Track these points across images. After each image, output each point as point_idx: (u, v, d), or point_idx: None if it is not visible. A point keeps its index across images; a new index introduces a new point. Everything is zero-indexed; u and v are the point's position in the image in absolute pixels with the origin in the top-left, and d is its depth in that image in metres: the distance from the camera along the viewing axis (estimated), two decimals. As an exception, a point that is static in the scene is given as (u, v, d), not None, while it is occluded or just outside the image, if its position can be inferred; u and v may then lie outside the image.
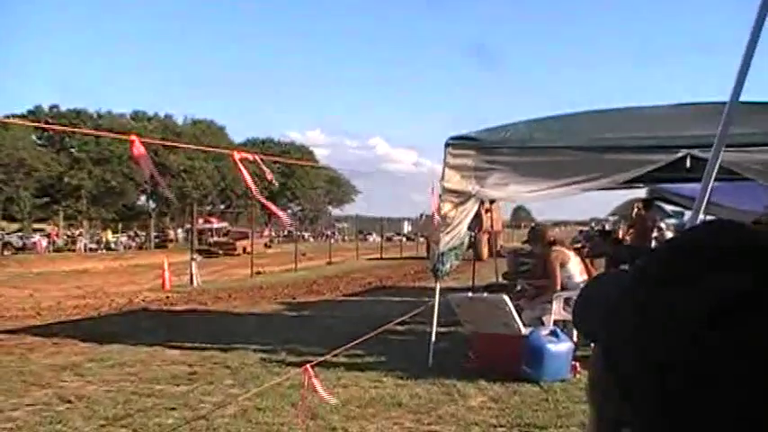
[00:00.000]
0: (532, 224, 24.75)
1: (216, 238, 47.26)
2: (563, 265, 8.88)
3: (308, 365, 5.68)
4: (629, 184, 10.68)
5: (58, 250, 52.52)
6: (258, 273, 25.77)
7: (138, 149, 3.21)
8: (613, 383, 0.59)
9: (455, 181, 8.59)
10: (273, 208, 12.33)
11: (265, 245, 47.50)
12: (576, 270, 8.96)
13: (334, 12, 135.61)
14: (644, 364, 0.56)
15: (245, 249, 24.81)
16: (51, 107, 66.89)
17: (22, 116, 64.60)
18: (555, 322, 8.40)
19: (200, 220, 48.76)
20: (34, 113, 66.05)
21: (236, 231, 49.06)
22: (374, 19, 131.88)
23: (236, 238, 46.55)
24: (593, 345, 0.67)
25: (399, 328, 10.91)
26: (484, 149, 8.68)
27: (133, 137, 3.33)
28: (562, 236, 13.46)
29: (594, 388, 0.64)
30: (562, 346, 7.74)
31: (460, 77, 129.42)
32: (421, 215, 23.70)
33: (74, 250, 52.98)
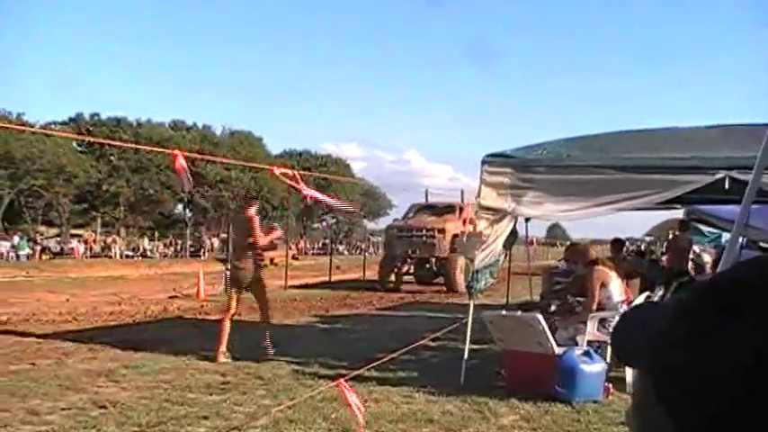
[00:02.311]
0: (569, 242, 24.18)
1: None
2: (604, 285, 8.74)
3: (341, 380, 5.70)
4: (667, 204, 10.62)
5: (94, 256, 52.96)
6: (290, 287, 25.70)
7: (181, 163, 3.26)
8: (665, 414, 0.61)
9: (491, 198, 8.60)
10: (324, 198, 12.13)
11: (293, 257, 47.21)
12: (617, 290, 8.85)
13: (373, 30, 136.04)
14: (694, 397, 0.58)
15: (272, 260, 24.40)
16: (92, 115, 67.48)
17: (63, 123, 65.41)
18: (589, 342, 8.34)
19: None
20: (75, 121, 66.77)
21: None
22: (411, 39, 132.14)
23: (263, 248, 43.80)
24: (628, 369, 0.69)
25: (431, 343, 10.90)
26: (520, 167, 8.69)
27: (176, 151, 3.38)
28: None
29: (641, 417, 0.65)
30: (595, 367, 7.70)
31: (497, 93, 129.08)
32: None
33: (110, 256, 53.42)
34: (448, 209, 27.66)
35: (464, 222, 22.93)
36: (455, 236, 24.45)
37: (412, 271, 27.59)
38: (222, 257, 41.27)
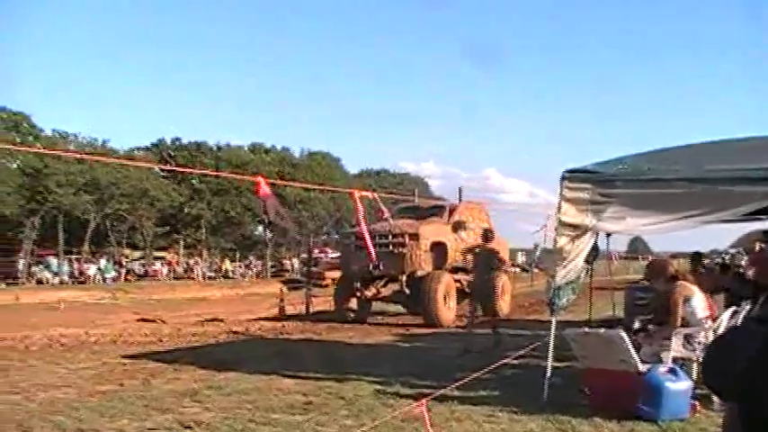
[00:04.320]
0: (650, 257, 23.17)
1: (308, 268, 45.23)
2: (686, 301, 8.54)
3: (423, 401, 5.69)
4: (752, 216, 10.37)
5: (177, 278, 53.97)
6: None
7: (264, 190, 3.32)
8: None
9: (571, 214, 8.50)
10: (369, 243, 12.43)
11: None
12: (700, 306, 8.64)
13: (448, 53, 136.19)
14: None
15: (333, 280, 23.59)
16: (173, 140, 69.04)
17: (146, 149, 67.05)
18: (674, 359, 8.17)
19: (316, 251, 48.94)
20: (157, 146, 68.37)
21: (327, 261, 45.45)
22: (486, 61, 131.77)
23: (326, 268, 41.55)
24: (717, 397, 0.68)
25: (514, 361, 10.81)
26: (600, 182, 8.58)
27: (259, 178, 3.44)
28: (682, 268, 13.05)
29: None
30: (681, 385, 7.53)
31: (574, 111, 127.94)
32: (535, 246, 20.46)
33: (193, 278, 54.36)
34: (433, 210, 21.77)
35: (455, 227, 19.82)
36: (437, 245, 19.12)
37: (383, 294, 20.42)
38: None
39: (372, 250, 15.76)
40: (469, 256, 16.37)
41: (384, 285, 20.09)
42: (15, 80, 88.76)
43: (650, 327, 9.01)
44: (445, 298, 18.51)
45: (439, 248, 19.12)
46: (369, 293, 19.86)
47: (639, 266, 38.41)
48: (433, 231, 19.22)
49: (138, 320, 20.32)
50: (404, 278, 18.91)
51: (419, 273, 18.77)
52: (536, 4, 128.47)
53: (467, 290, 20.09)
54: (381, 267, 18.74)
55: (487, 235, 14.55)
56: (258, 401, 8.60)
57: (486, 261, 14.15)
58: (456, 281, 19.54)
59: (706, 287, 9.39)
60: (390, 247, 18.64)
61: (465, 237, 19.78)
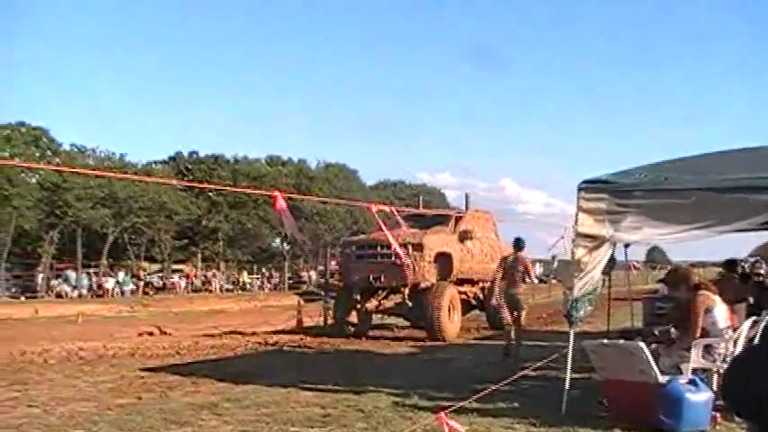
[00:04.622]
0: (669, 266, 22.76)
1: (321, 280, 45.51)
2: (708, 311, 8.43)
3: (442, 413, 5.67)
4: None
5: (195, 290, 54.26)
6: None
7: (281, 204, 3.33)
8: None
9: (588, 225, 8.47)
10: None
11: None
12: (722, 316, 8.55)
13: (461, 62, 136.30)
14: None
15: None
16: (190, 153, 69.39)
17: (164, 163, 67.42)
18: (694, 370, 8.11)
19: (333, 262, 48.93)
20: (175, 160, 68.73)
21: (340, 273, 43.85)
22: (501, 70, 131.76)
23: (339, 279, 40.29)
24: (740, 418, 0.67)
25: (532, 373, 10.77)
26: (617, 192, 8.55)
27: (276, 192, 3.45)
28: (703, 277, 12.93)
29: None
30: (701, 396, 7.48)
31: (582, 121, 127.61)
32: (553, 257, 19.35)
33: (210, 290, 54.59)
34: (438, 219, 20.77)
35: (461, 237, 19.16)
36: (442, 255, 18.41)
37: (384, 306, 19.33)
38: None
39: (402, 253, 15.68)
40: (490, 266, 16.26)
41: (386, 297, 19.15)
42: (34, 94, 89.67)
43: (672, 330, 8.94)
44: (450, 311, 17.87)
45: (444, 259, 18.45)
46: (369, 306, 18.97)
47: (657, 276, 38.08)
48: (437, 241, 18.52)
49: (140, 335, 20.29)
50: (406, 290, 18.09)
51: (422, 284, 17.94)
52: (554, 13, 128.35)
53: (473, 302, 20.26)
54: (383, 278, 18.14)
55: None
56: (276, 414, 8.59)
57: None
58: (461, 293, 19.12)
59: (729, 297, 9.30)
60: (392, 258, 17.62)
61: (471, 247, 19.35)
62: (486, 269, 19.25)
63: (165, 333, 20.56)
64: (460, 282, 19.27)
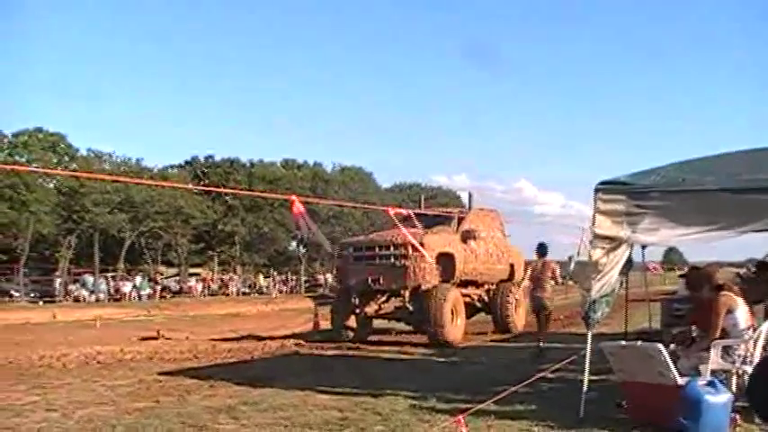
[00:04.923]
0: (688, 266, 22.53)
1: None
2: (730, 312, 8.33)
3: (460, 417, 5.65)
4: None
5: (212, 294, 54.38)
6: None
7: (298, 208, 3.33)
8: None
9: (606, 227, 8.42)
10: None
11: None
12: (743, 317, 8.46)
13: (478, 64, 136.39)
14: None
15: None
16: (207, 157, 69.62)
17: (180, 167, 67.66)
18: (713, 372, 8.04)
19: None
20: (191, 164, 68.98)
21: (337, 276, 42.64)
22: (518, 70, 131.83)
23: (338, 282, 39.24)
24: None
25: (549, 375, 10.73)
26: (634, 194, 8.49)
27: (293, 196, 3.45)
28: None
29: None
30: (721, 398, 7.41)
31: (607, 118, 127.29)
32: (569, 258, 18.49)
33: (227, 294, 54.70)
34: (439, 218, 19.47)
35: (464, 237, 18.43)
36: (444, 256, 17.50)
37: (384, 310, 18.75)
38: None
39: (426, 254, 15.69)
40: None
41: (386, 301, 18.56)
42: (51, 100, 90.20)
43: (693, 327, 8.87)
44: (453, 314, 16.98)
45: (446, 260, 17.57)
46: (369, 310, 18.25)
47: (675, 277, 37.88)
48: (439, 241, 17.55)
49: (141, 339, 20.32)
50: (407, 293, 17.26)
51: (424, 287, 17.02)
52: (569, 17, 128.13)
53: (478, 305, 19.93)
54: (382, 280, 17.28)
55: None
56: (294, 417, 8.58)
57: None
58: (465, 295, 18.45)
59: (752, 298, 9.21)
60: (392, 259, 17.24)
61: (476, 247, 18.68)
62: (491, 270, 19.14)
63: (167, 338, 20.50)
64: (464, 284, 18.66)
